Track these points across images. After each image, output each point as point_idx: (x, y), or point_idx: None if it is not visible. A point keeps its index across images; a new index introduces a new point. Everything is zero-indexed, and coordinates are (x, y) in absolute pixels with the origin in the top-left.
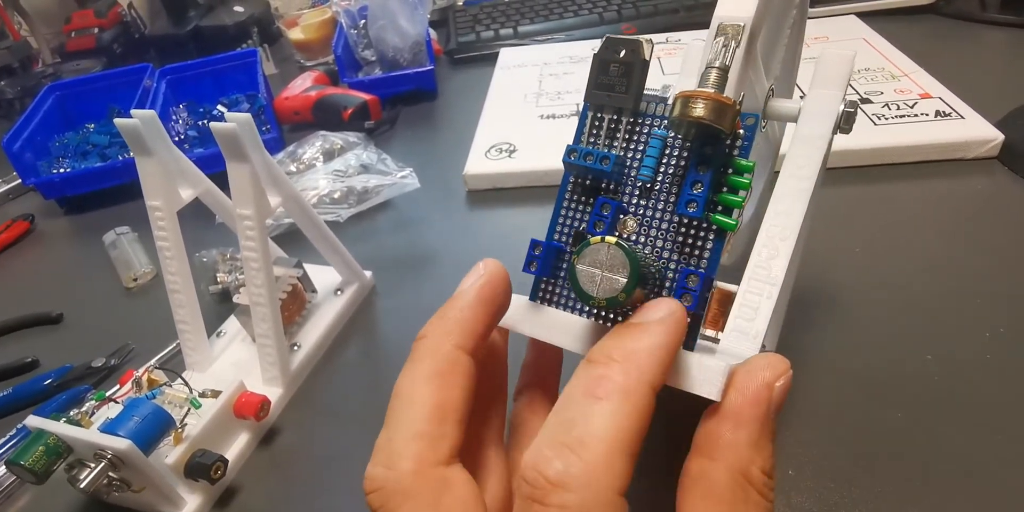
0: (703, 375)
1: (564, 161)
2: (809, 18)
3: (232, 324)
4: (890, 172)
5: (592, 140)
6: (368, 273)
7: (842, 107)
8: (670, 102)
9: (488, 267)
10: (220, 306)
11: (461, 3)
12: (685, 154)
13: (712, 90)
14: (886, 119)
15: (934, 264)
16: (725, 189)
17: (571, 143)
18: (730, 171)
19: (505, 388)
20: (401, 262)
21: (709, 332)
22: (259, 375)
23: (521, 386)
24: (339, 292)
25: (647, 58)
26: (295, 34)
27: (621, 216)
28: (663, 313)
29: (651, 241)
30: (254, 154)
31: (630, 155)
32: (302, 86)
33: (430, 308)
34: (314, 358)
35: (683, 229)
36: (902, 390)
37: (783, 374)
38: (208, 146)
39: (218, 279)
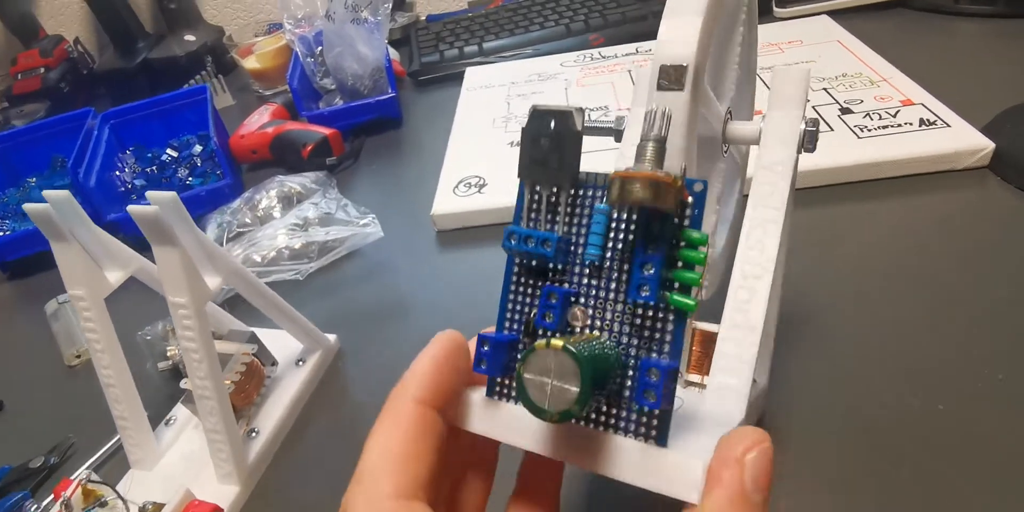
0: (679, 475)
1: (504, 246)
2: (780, 20)
3: (184, 408)
4: (877, 188)
5: (533, 217)
6: (332, 337)
7: (803, 127)
8: (607, 182)
9: (442, 335)
10: (172, 383)
11: (423, 18)
12: (633, 227)
13: (649, 167)
14: (869, 131)
15: (925, 281)
16: (681, 265)
17: (511, 224)
18: (683, 244)
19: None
20: (369, 317)
21: (694, 377)
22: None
23: (513, 495)
24: (301, 363)
25: (579, 129)
26: (250, 63)
27: (573, 301)
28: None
29: (607, 326)
30: (184, 235)
31: (575, 231)
32: (259, 122)
33: (402, 368)
34: (275, 444)
35: (640, 311)
36: (891, 415)
37: (764, 454)
38: None
39: (168, 353)
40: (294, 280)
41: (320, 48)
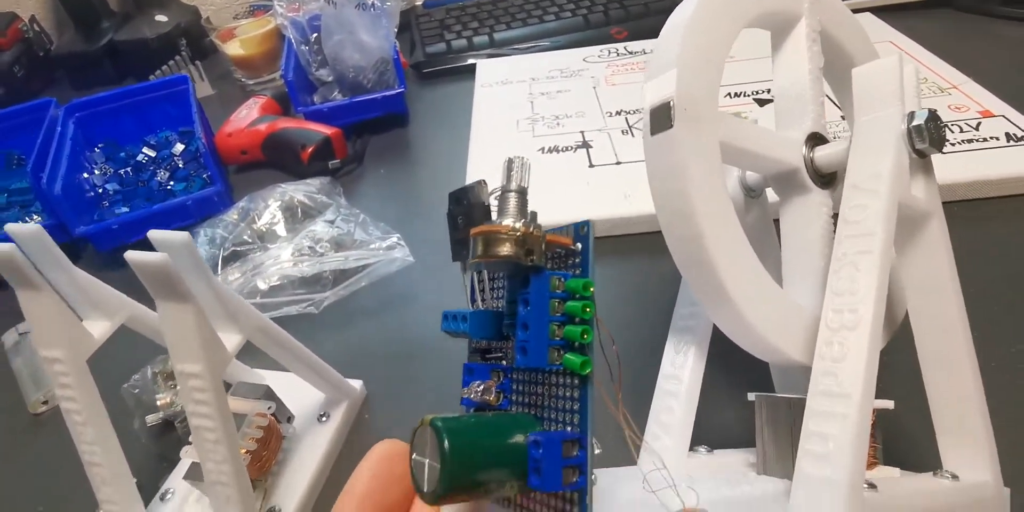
0: None
1: (442, 329)
2: None
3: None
4: (965, 211)
5: (482, 297)
6: (357, 383)
7: (903, 125)
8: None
9: (378, 447)
10: (162, 440)
11: (419, 3)
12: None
13: (511, 220)
14: (953, 145)
15: None
16: (575, 320)
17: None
18: (575, 297)
19: None
20: (396, 355)
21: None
22: None
23: None
24: (324, 418)
25: (484, 200)
26: (233, 49)
27: (500, 376)
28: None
29: (520, 398)
30: (200, 288)
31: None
32: (248, 117)
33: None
34: None
35: (541, 377)
36: None
37: None
38: (135, 205)
39: (158, 402)
40: (308, 314)
41: (316, 34)
